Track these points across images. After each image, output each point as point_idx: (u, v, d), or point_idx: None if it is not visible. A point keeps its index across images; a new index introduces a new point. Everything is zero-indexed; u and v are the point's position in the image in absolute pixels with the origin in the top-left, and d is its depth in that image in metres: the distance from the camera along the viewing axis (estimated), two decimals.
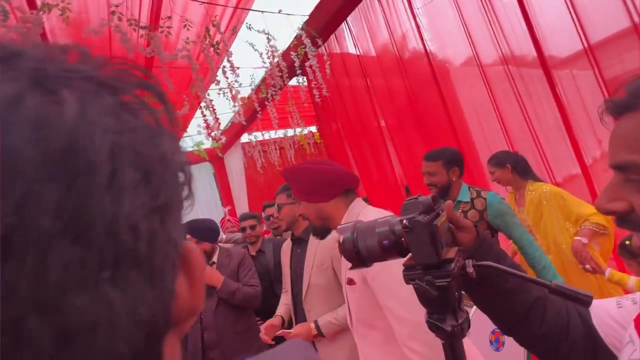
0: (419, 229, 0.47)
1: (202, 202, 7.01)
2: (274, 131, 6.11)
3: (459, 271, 0.48)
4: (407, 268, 0.50)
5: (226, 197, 7.07)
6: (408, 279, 0.49)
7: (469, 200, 1.70)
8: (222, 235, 2.94)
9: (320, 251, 1.52)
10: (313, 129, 7.03)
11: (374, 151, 3.63)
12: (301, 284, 1.48)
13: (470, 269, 0.49)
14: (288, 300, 1.67)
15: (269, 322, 1.54)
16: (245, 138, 6.59)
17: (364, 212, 1.01)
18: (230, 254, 2.05)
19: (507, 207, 1.71)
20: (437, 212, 0.52)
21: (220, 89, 3.53)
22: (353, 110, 3.74)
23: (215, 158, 6.82)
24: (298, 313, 1.52)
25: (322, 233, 1.10)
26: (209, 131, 3.60)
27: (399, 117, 3.29)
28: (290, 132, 6.89)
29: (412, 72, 3.05)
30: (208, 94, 3.60)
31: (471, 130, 2.65)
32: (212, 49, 2.64)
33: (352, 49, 3.63)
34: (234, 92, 3.71)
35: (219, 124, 3.87)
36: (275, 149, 7.10)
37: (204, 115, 3.60)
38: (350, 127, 3.83)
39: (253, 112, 4.27)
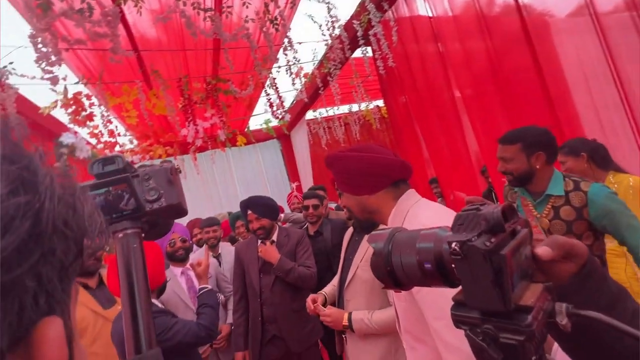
0: (475, 260, 0.32)
1: (271, 178, 7.35)
2: (339, 107, 5.95)
3: (542, 325, 0.32)
4: (457, 305, 0.36)
5: (293, 173, 7.29)
6: (457, 322, 0.35)
7: (563, 193, 1.35)
8: (281, 215, 3.01)
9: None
10: (380, 103, 6.65)
11: (446, 127, 3.24)
12: (348, 272, 1.41)
13: (563, 320, 0.33)
14: (337, 283, 1.65)
15: (312, 295, 1.54)
16: (310, 115, 6.59)
17: (414, 209, 0.85)
18: (289, 234, 2.07)
19: (620, 204, 1.29)
20: (509, 232, 0.35)
21: (280, 67, 3.50)
22: (423, 80, 3.35)
23: (283, 135, 7.02)
24: (340, 299, 1.46)
25: (366, 228, 0.97)
26: (273, 110, 3.64)
27: (478, 85, 2.83)
28: (355, 108, 6.64)
29: (498, 30, 2.55)
30: (270, 73, 3.61)
31: (575, 100, 2.10)
32: (271, 26, 2.57)
33: (423, 11, 3.20)
34: (295, 69, 3.66)
35: (283, 102, 3.89)
36: (340, 125, 6.97)
37: (268, 95, 3.64)
38: (419, 100, 3.47)
39: (316, 89, 4.18)
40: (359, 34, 3.06)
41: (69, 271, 0.21)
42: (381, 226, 0.94)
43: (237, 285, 2.04)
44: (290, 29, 2.71)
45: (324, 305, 1.52)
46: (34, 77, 2.81)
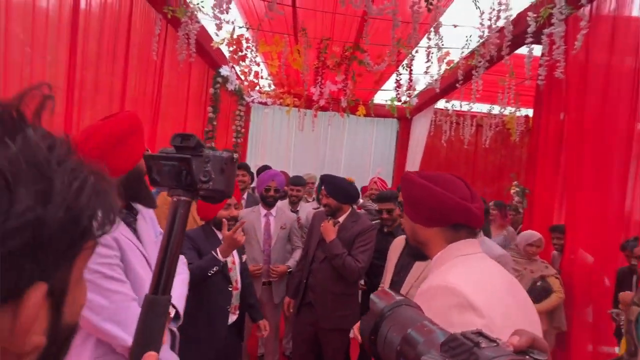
0: None
1: (377, 156, 7.28)
2: (473, 105, 5.26)
3: None
4: None
5: (401, 159, 7.03)
6: None
7: None
8: (360, 200, 2.98)
9: (427, 274, 1.30)
10: (527, 112, 5.58)
11: (606, 166, 2.52)
12: (399, 289, 1.35)
13: None
14: None
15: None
16: (441, 104, 6.05)
17: (455, 261, 0.78)
18: (358, 221, 2.08)
19: None
20: None
21: (421, 48, 3.24)
22: (597, 100, 2.62)
23: (404, 117, 6.72)
24: None
25: (415, 254, 0.91)
26: (398, 93, 3.49)
27: None
28: (496, 110, 5.76)
29: None
30: (410, 53, 3.41)
31: None
32: (424, 4, 2.37)
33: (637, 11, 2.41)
34: (438, 54, 3.35)
35: (411, 85, 3.67)
36: (471, 125, 6.21)
37: (399, 74, 3.48)
38: (581, 123, 2.75)
39: (456, 80, 3.76)
40: (529, 29, 2.54)
41: (68, 249, 0.26)
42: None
43: (306, 244, 2.23)
44: (444, 11, 2.44)
45: None
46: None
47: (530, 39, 2.59)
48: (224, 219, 1.58)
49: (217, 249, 1.52)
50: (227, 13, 2.18)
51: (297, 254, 2.47)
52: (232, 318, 1.67)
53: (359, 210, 2.77)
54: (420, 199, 0.83)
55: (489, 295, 0.69)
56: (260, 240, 2.46)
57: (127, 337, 0.90)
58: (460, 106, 5.46)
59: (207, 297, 1.55)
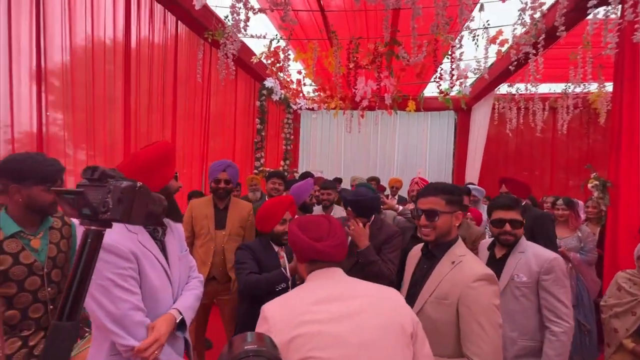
0: None
1: (434, 152, 6.80)
2: (547, 84, 4.53)
3: None
4: None
5: (460, 154, 6.45)
6: None
7: None
8: (398, 207, 2.73)
9: (449, 281, 1.15)
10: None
11: None
12: (414, 303, 1.21)
13: None
14: None
15: None
16: (504, 89, 5.38)
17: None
18: (382, 228, 1.95)
19: None
20: None
21: (469, 30, 2.92)
22: None
23: (461, 108, 6.16)
24: None
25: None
26: (438, 84, 3.21)
27: None
28: (576, 89, 4.89)
29: None
30: (452, 39, 3.11)
31: None
32: None
33: None
34: (492, 34, 3.00)
35: (459, 74, 3.35)
36: (543, 109, 5.38)
37: (440, 63, 3.20)
38: None
39: (515, 60, 3.29)
40: None
41: None
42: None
43: None
44: None
45: None
46: (251, 36, 3.55)
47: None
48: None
49: (287, 266, 1.62)
50: (245, 31, 2.28)
51: None
52: None
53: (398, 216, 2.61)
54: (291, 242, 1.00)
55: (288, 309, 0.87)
56: None
57: (128, 340, 1.00)
58: (527, 89, 4.77)
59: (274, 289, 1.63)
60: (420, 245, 1.39)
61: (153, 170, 1.09)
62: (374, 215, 1.96)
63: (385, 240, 1.88)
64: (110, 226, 0.53)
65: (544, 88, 5.29)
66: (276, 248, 1.77)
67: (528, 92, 4.67)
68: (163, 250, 1.18)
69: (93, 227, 0.52)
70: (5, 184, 1.22)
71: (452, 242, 1.25)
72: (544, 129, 5.54)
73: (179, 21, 3.33)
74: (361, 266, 1.81)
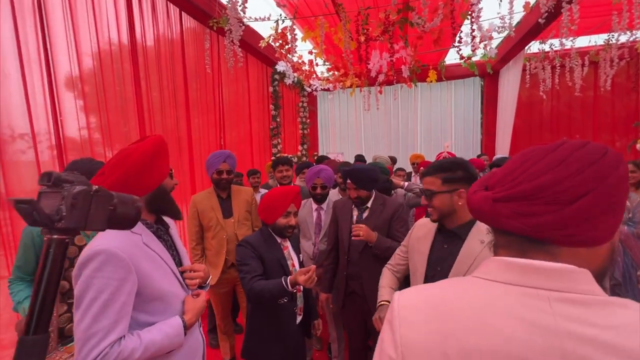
0: None
1: (460, 123, 6.42)
2: (586, 37, 4.04)
3: None
4: None
5: (489, 122, 6.04)
6: None
7: None
8: (404, 183, 2.63)
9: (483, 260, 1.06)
10: None
11: None
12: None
13: None
14: (394, 283, 1.44)
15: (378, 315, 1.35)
16: (534, 47, 4.90)
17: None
18: (385, 203, 1.90)
19: None
20: None
21: None
22: None
23: (488, 73, 5.72)
24: None
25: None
26: (458, 47, 2.95)
27: None
28: (620, 38, 4.34)
29: None
30: None
31: None
32: None
33: None
34: None
35: (482, 33, 3.05)
36: (583, 64, 4.85)
37: (457, 25, 2.91)
38: None
39: (545, 12, 2.94)
40: None
41: None
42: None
43: (331, 236, 2.12)
44: None
45: None
46: (254, 19, 3.44)
47: None
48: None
49: (287, 279, 1.46)
50: (244, 13, 2.16)
51: None
52: (298, 319, 1.70)
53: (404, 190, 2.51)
54: None
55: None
56: (312, 235, 2.46)
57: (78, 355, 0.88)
58: (561, 44, 4.30)
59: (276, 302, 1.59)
60: (424, 221, 1.32)
61: (146, 168, 1.02)
62: (373, 191, 1.91)
63: (392, 215, 1.85)
64: (72, 234, 0.49)
65: (582, 41, 4.75)
66: (279, 239, 1.67)
67: (563, 47, 4.20)
68: (170, 247, 1.17)
69: (55, 236, 0.49)
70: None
71: (473, 220, 1.17)
72: (584, 87, 5.02)
73: (182, 12, 3.28)
74: (381, 255, 1.77)
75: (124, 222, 0.57)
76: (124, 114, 2.61)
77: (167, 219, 1.23)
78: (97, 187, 0.51)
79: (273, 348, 1.59)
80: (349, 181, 1.87)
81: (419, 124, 6.64)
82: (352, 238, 1.80)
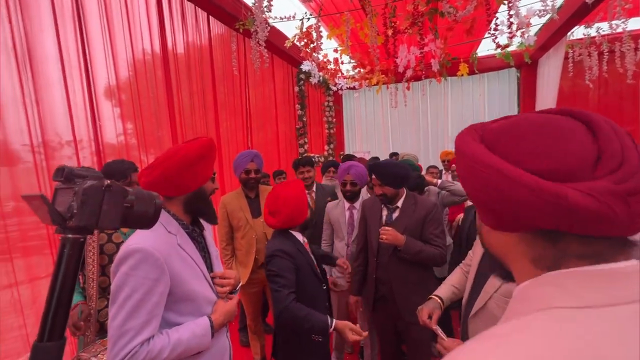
0: None
1: (493, 116, 6.03)
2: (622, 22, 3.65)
3: None
4: None
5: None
6: None
7: None
8: (437, 181, 2.47)
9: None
10: None
11: None
12: (478, 293, 1.03)
13: None
14: (459, 283, 1.31)
15: (426, 309, 1.25)
16: (578, 32, 4.52)
17: (526, 324, 0.38)
18: (417, 202, 1.79)
19: None
20: None
21: None
22: None
23: (525, 63, 5.37)
24: (464, 324, 1.12)
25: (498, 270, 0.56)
26: (494, 35, 2.76)
27: None
28: None
29: None
30: None
31: None
32: None
33: None
34: None
35: (519, 19, 2.85)
36: (636, 48, 4.42)
37: (492, 12, 2.73)
38: None
39: None
40: None
41: None
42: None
43: (360, 237, 2.04)
44: None
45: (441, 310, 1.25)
46: (280, 18, 3.44)
47: None
48: None
49: (335, 323, 1.35)
50: (270, 11, 2.15)
51: None
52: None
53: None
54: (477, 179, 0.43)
55: None
56: (345, 235, 2.40)
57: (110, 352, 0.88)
58: (611, 27, 3.93)
59: (310, 293, 1.49)
60: None
61: (189, 168, 1.02)
62: (404, 190, 1.80)
63: (425, 215, 1.72)
64: (86, 233, 0.47)
65: (635, 23, 4.32)
66: (300, 237, 1.57)
67: (614, 30, 3.83)
68: (203, 250, 1.16)
69: (69, 235, 0.46)
70: None
71: None
72: (637, 74, 4.56)
73: (210, 17, 3.34)
74: (411, 259, 1.67)
75: (142, 221, 0.54)
76: (157, 119, 2.69)
77: (202, 221, 1.23)
78: (109, 181, 0.49)
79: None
80: (374, 176, 1.78)
81: (449, 121, 6.37)
82: (380, 239, 1.71)
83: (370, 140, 6.86)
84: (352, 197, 2.36)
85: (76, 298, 1.59)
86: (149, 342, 0.87)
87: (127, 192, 0.51)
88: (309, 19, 3.46)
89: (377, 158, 4.18)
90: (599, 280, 0.36)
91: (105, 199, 0.48)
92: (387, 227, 1.70)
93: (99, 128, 2.26)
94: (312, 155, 5.13)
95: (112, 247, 1.65)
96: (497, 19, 2.78)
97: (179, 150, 1.02)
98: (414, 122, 6.51)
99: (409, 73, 4.57)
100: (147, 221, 0.54)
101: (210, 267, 1.19)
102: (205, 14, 3.30)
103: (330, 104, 6.15)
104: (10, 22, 1.73)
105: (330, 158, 5.96)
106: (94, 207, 0.46)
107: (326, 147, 6.14)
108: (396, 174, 1.73)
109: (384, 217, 1.86)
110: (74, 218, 0.45)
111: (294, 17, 3.27)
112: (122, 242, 1.64)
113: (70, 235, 0.46)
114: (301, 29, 3.75)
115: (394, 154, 5.01)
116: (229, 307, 1.10)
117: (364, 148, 6.80)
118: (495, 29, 2.77)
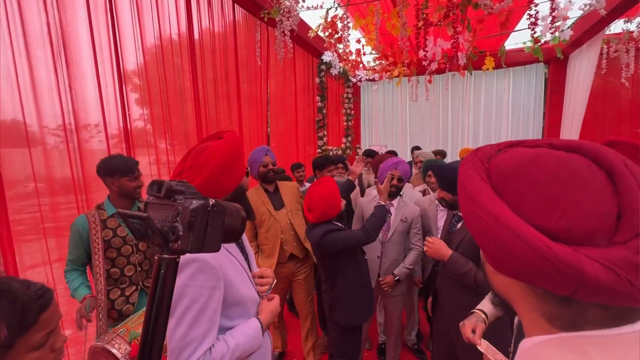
0: None
1: (516, 114, 5.89)
2: None
3: None
4: None
5: (554, 114, 5.46)
6: None
7: None
8: None
9: None
10: None
11: None
12: None
13: None
14: None
15: (469, 324, 1.18)
16: (616, 27, 4.30)
17: None
18: None
19: None
20: None
21: None
22: None
23: (555, 59, 5.15)
24: (516, 341, 1.07)
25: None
26: (534, 31, 2.63)
27: None
28: None
29: None
30: None
31: None
32: None
33: None
34: None
35: (558, 11, 2.71)
36: None
37: (533, 4, 2.59)
38: None
39: None
40: None
41: None
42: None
43: (423, 234, 2.03)
44: None
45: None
46: (306, 7, 3.35)
47: None
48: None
49: (379, 199, 1.96)
50: (304, 1, 2.07)
51: (411, 258, 2.24)
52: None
53: None
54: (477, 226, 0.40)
55: None
56: (379, 232, 2.35)
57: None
58: None
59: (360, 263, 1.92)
60: None
61: (230, 168, 0.98)
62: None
63: None
64: (183, 253, 0.44)
65: None
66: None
67: None
68: (242, 250, 1.14)
69: (165, 256, 0.43)
70: (104, 178, 1.70)
71: None
72: None
73: (235, 4, 3.27)
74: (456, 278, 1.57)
75: (231, 235, 0.51)
76: (183, 107, 2.67)
77: None
78: (213, 201, 0.45)
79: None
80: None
81: (471, 116, 6.20)
82: (425, 249, 1.62)
83: (387, 134, 6.74)
84: (396, 193, 2.28)
85: (84, 291, 1.65)
86: (211, 350, 0.86)
87: (225, 209, 0.47)
88: (336, 8, 3.36)
89: (394, 152, 4.09)
90: (621, 346, 0.33)
91: (209, 221, 0.44)
92: (432, 239, 1.61)
93: (128, 114, 2.25)
94: (330, 148, 5.07)
95: (119, 241, 1.71)
96: (537, 12, 2.64)
97: (213, 153, 0.95)
98: (433, 117, 6.36)
99: (434, 66, 4.43)
100: (236, 235, 0.51)
101: (250, 267, 1.17)
102: (231, 1, 3.23)
103: (350, 95, 6.04)
104: (46, 13, 1.72)
105: (348, 151, 5.89)
106: (200, 230, 0.43)
107: (344, 140, 6.07)
108: (455, 179, 1.62)
109: (441, 223, 1.78)
110: (180, 241, 0.42)
111: (321, 6, 3.17)
112: (127, 235, 1.72)
113: (166, 256, 0.43)
114: (325, 18, 3.65)
115: (415, 148, 4.91)
116: (272, 306, 1.08)
117: (381, 141, 6.70)
118: (535, 23, 2.63)
